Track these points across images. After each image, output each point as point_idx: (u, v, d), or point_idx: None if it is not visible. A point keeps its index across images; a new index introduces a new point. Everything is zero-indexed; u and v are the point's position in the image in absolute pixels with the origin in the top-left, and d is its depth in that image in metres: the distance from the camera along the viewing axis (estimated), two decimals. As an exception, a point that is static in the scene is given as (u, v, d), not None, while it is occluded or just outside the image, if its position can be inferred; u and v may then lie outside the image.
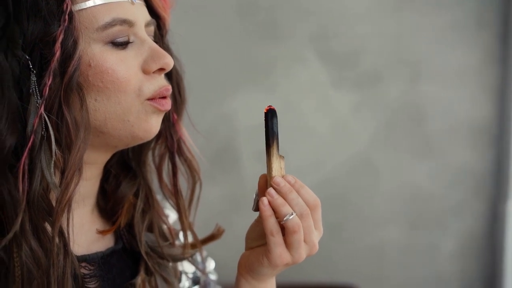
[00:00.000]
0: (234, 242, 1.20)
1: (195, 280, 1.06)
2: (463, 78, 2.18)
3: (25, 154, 0.77)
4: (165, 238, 1.00)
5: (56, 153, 0.79)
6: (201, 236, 1.04)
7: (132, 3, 0.85)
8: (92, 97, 0.82)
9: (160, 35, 0.93)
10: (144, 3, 0.89)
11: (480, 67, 2.17)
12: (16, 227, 0.76)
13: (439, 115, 2.19)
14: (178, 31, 0.99)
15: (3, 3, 0.78)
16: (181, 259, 1.00)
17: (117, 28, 0.82)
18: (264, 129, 0.84)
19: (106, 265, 0.91)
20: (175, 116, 0.98)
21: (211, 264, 1.10)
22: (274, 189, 0.83)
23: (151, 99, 0.85)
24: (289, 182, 0.84)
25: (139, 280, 0.93)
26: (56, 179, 0.79)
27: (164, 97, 0.87)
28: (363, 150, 2.19)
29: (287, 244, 0.84)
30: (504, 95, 2.17)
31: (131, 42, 0.84)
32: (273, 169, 0.84)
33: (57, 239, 0.79)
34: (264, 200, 0.83)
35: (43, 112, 0.77)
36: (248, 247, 0.91)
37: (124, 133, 0.85)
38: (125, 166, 0.98)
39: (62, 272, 0.80)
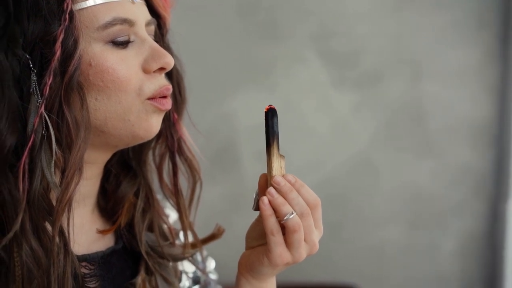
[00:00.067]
0: (235, 242, 1.20)
1: (196, 280, 1.06)
2: (463, 78, 2.18)
3: (26, 153, 0.77)
4: (165, 238, 1.00)
5: (57, 152, 0.78)
6: (201, 235, 1.04)
7: (133, 2, 0.85)
8: (92, 97, 0.82)
9: (160, 35, 0.93)
10: (144, 2, 0.89)
11: (480, 66, 2.17)
12: (17, 226, 0.76)
13: (439, 115, 2.19)
14: (178, 31, 0.99)
15: (4, 2, 0.78)
16: (181, 258, 1.00)
17: (117, 28, 0.82)
18: (264, 128, 0.84)
19: (106, 264, 0.91)
20: (176, 116, 0.97)
21: (211, 264, 1.10)
22: (275, 188, 0.83)
23: (151, 98, 0.85)
24: (289, 182, 0.84)
25: (139, 279, 0.93)
26: (56, 178, 0.79)
27: (164, 97, 0.87)
28: (363, 150, 2.19)
29: (288, 243, 0.84)
30: (505, 94, 2.17)
31: (132, 42, 0.84)
32: (274, 169, 0.84)
33: (57, 239, 0.79)
34: (265, 199, 0.83)
35: (43, 111, 0.77)
36: (249, 247, 0.91)
37: (124, 132, 0.85)
38: (126, 166, 0.98)
39: (63, 271, 0.80)
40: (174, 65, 0.90)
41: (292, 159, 1.40)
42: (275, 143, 0.84)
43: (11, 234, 0.76)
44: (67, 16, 0.78)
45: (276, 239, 0.83)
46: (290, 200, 0.83)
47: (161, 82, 0.86)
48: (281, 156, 0.85)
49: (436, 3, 2.14)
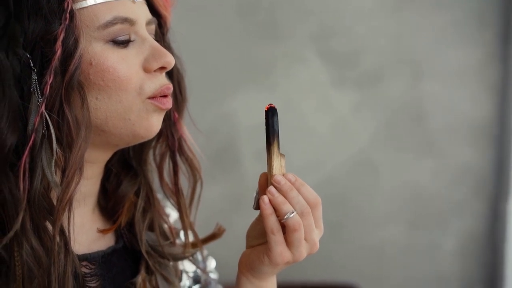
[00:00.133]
0: (235, 241, 1.20)
1: (196, 279, 1.05)
2: (463, 78, 2.18)
3: (26, 152, 0.77)
4: (165, 237, 1.00)
5: (57, 151, 0.79)
6: (201, 235, 1.04)
7: (133, 1, 0.85)
8: (93, 96, 0.82)
9: (161, 34, 0.93)
10: (145, 2, 0.89)
11: (481, 66, 2.17)
12: (17, 225, 0.76)
13: (440, 114, 2.19)
14: (178, 31, 0.99)
15: (4, 2, 0.78)
16: (181, 258, 1.00)
17: (118, 27, 0.82)
18: (264, 127, 0.84)
19: (107, 264, 0.91)
20: (176, 115, 0.97)
21: (212, 263, 1.10)
22: (275, 187, 0.83)
23: (152, 97, 0.85)
24: (289, 180, 0.84)
25: (139, 279, 0.93)
26: (57, 177, 0.79)
27: (165, 96, 0.87)
28: (363, 150, 2.19)
29: (288, 242, 0.84)
30: (505, 94, 2.17)
31: (132, 41, 0.84)
32: (274, 167, 0.84)
33: (58, 238, 0.79)
34: (265, 198, 0.83)
35: (44, 110, 0.77)
36: (249, 246, 0.91)
37: (125, 131, 0.85)
38: (126, 165, 0.98)
39: (63, 271, 0.80)
40: (175, 64, 0.90)
41: (292, 159, 1.40)
42: (275, 141, 0.84)
43: (11, 233, 0.76)
44: (67, 15, 0.78)
45: (277, 238, 0.83)
46: (291, 199, 0.83)
47: (161, 81, 0.86)
48: (282, 155, 0.85)
49: (436, 3, 2.14)
